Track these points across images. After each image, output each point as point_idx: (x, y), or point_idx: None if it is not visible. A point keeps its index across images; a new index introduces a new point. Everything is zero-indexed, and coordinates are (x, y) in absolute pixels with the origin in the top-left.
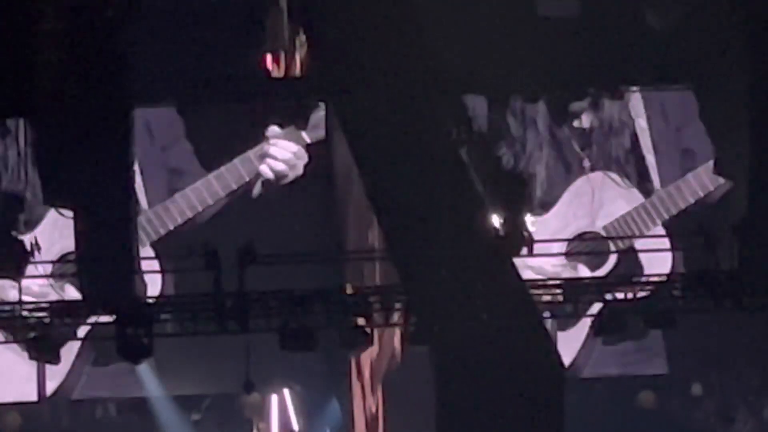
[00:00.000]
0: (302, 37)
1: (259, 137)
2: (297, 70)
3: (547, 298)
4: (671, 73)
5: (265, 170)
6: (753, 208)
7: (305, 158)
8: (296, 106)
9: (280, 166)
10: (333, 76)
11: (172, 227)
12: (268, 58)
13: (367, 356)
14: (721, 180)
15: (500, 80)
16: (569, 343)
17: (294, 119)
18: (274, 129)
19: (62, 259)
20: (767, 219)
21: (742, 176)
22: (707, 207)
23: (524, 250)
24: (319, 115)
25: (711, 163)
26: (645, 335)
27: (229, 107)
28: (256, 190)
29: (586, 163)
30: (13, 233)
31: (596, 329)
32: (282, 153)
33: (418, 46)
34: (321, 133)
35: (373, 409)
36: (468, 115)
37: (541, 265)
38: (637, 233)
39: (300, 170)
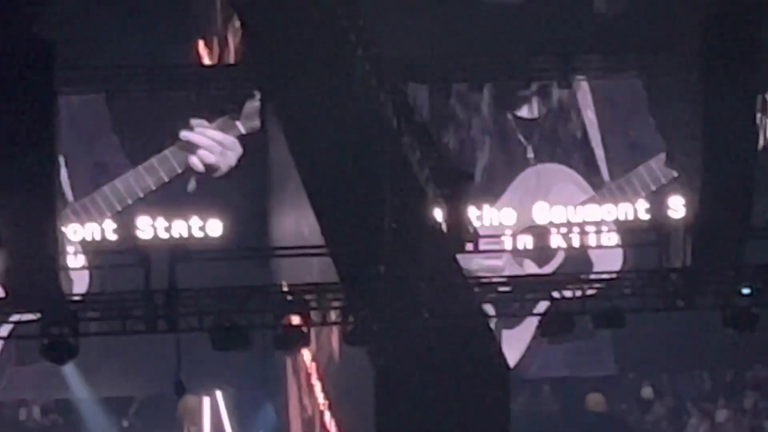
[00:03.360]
0: (236, 23)
1: (189, 129)
2: (231, 58)
3: (492, 295)
4: (619, 61)
5: (195, 162)
6: (705, 203)
7: (239, 150)
8: (230, 95)
9: (211, 158)
10: (268, 63)
11: (100, 221)
12: (201, 44)
13: (304, 357)
14: (675, 173)
15: (442, 68)
16: (515, 343)
17: (227, 109)
18: (203, 120)
19: None
20: (720, 215)
21: (694, 170)
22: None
23: (469, 246)
24: (254, 104)
25: (663, 155)
26: (593, 335)
27: (159, 97)
28: (191, 185)
29: (530, 154)
30: None
31: (543, 328)
32: (211, 144)
33: (357, 33)
34: (256, 124)
35: (310, 412)
36: (409, 104)
37: (485, 261)
38: (586, 228)
39: (233, 162)
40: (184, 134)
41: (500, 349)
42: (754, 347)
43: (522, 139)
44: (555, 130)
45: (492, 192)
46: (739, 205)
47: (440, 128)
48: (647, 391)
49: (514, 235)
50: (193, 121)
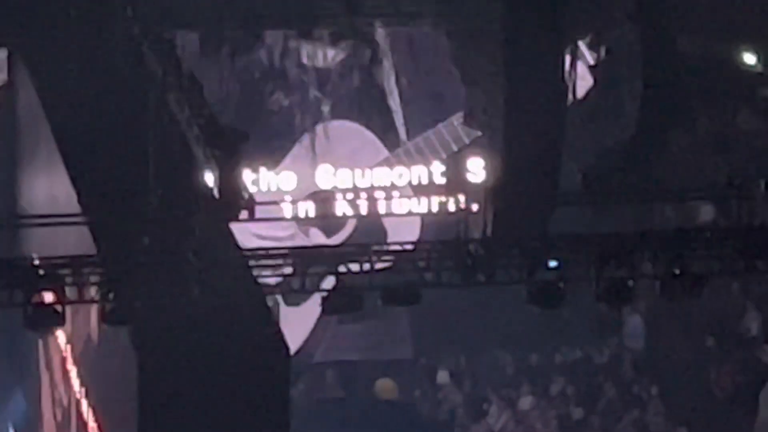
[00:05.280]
0: None
1: None
2: None
3: (271, 270)
4: (413, 6)
5: None
6: (508, 166)
7: None
8: None
9: None
10: (15, 15)
11: None
12: None
13: (58, 338)
14: (478, 133)
15: (214, 13)
16: (299, 323)
17: None
18: None
19: None
20: (525, 179)
21: (496, 129)
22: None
23: (244, 214)
24: (0, 57)
25: (464, 113)
26: (388, 314)
27: None
28: None
29: (325, 107)
30: None
31: (329, 306)
32: None
33: None
34: (2, 77)
35: (65, 400)
36: (177, 55)
37: (265, 231)
38: (381, 193)
39: None
40: None
41: (279, 329)
42: (562, 327)
43: (314, 92)
44: (348, 84)
45: (280, 152)
46: (545, 169)
47: (213, 82)
48: (443, 376)
49: (294, 202)
50: None
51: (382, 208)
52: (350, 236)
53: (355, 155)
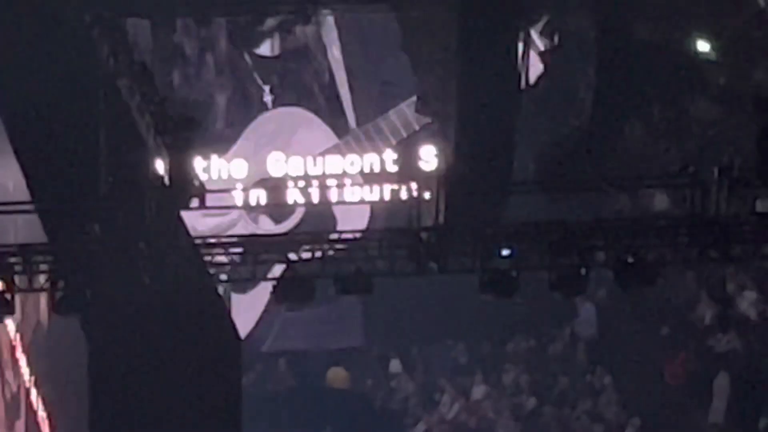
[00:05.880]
0: None
1: None
2: None
3: (221, 258)
4: None
5: None
6: (460, 153)
7: None
8: None
9: None
10: None
11: None
12: None
13: (7, 327)
14: (428, 119)
15: (165, 2)
16: (246, 311)
17: None
18: None
19: None
20: (477, 166)
21: (448, 116)
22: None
23: (194, 202)
24: None
25: (415, 99)
26: (339, 303)
27: None
28: None
29: (268, 97)
30: None
31: (278, 294)
32: None
33: None
34: None
35: (14, 389)
36: (128, 42)
37: (213, 219)
38: (330, 181)
39: None
40: None
41: (230, 317)
42: (514, 316)
43: (259, 81)
44: (297, 71)
45: (227, 140)
46: (498, 157)
47: (165, 69)
48: (396, 365)
49: (245, 190)
50: None
51: (333, 196)
52: (299, 224)
53: (303, 141)
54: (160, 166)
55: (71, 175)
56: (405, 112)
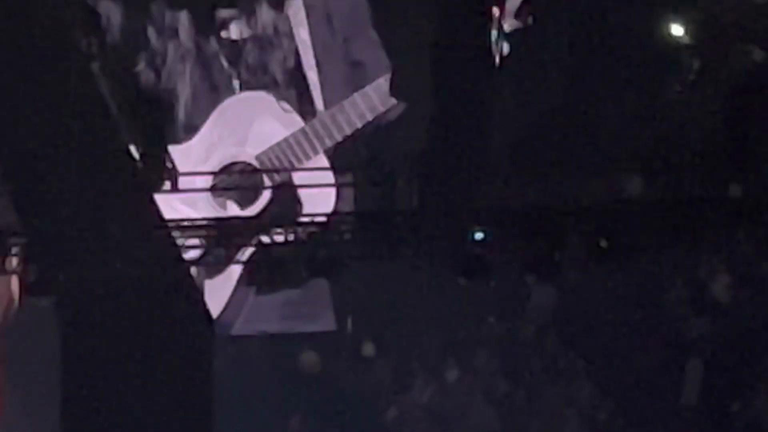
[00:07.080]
0: None
1: None
2: None
3: (193, 241)
4: None
5: None
6: (433, 135)
7: None
8: None
9: None
10: None
11: None
12: None
13: None
14: (395, 101)
15: None
16: (215, 293)
17: None
18: None
19: None
20: (450, 149)
21: (420, 97)
22: (379, 133)
23: (167, 185)
24: None
25: (382, 80)
26: (309, 286)
27: None
28: None
29: (235, 82)
30: None
31: (249, 279)
32: None
33: None
34: None
35: None
36: (101, 24)
37: (182, 202)
38: (296, 164)
39: None
40: None
41: (203, 301)
42: (487, 299)
43: (226, 65)
44: (264, 54)
45: (193, 125)
46: (471, 140)
47: (134, 54)
48: (368, 349)
49: (214, 174)
50: None
51: (300, 180)
52: (265, 208)
53: (268, 126)
54: (132, 149)
55: (41, 157)
56: (370, 94)
